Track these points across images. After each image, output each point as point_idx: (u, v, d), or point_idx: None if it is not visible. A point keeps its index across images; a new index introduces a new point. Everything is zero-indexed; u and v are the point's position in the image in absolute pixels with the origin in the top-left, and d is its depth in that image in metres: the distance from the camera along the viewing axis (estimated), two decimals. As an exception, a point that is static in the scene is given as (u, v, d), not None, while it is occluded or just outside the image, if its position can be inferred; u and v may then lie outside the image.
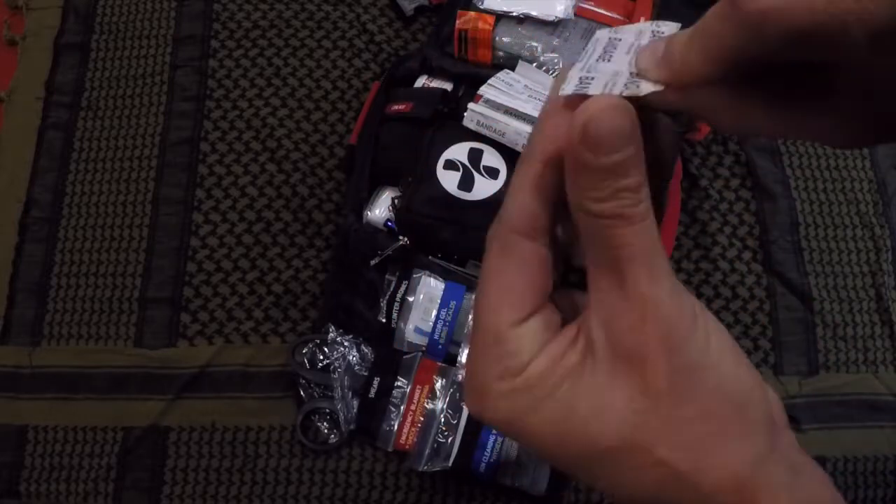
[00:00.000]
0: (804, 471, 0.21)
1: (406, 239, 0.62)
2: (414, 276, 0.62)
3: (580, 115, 0.19)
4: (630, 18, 0.71)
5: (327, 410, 0.64)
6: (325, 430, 0.64)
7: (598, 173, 0.19)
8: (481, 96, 0.63)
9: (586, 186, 0.20)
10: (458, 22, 0.68)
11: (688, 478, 0.19)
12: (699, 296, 0.70)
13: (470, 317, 0.61)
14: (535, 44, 0.67)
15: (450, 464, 0.60)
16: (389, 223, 0.64)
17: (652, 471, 0.20)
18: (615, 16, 0.71)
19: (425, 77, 0.70)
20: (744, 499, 0.19)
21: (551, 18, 0.67)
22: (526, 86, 0.63)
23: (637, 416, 0.19)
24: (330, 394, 0.63)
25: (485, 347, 0.21)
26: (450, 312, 0.61)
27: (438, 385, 0.62)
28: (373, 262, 0.62)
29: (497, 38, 0.68)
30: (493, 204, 0.61)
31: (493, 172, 0.62)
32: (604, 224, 0.20)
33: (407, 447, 0.62)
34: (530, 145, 0.21)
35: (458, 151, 0.63)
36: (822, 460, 0.65)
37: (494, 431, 0.60)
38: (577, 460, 0.21)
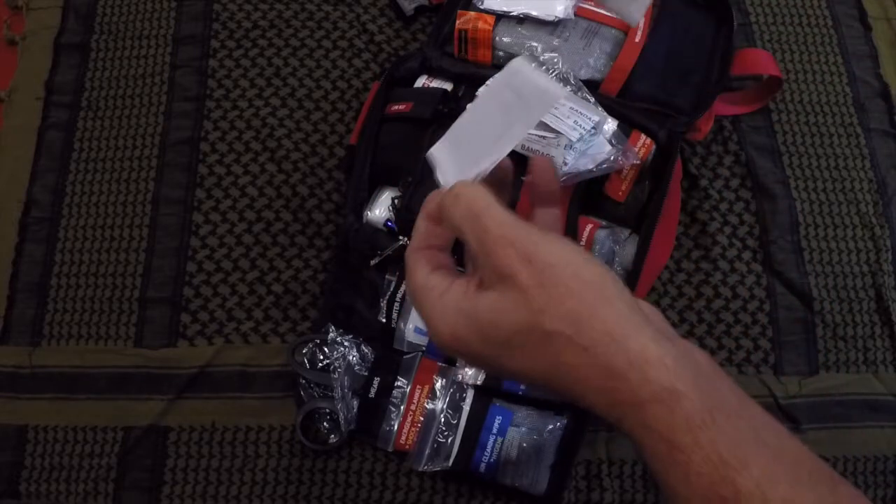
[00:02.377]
0: (677, 342, 0.29)
1: (406, 239, 0.62)
2: (414, 276, 0.62)
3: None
4: (630, 18, 0.71)
5: (327, 410, 0.64)
6: (325, 430, 0.64)
7: (453, 208, 0.32)
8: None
9: (450, 215, 0.32)
10: (458, 22, 0.68)
11: (571, 339, 0.27)
12: (699, 295, 0.70)
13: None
14: (535, 44, 0.67)
15: (450, 464, 0.60)
16: (389, 223, 0.64)
17: (546, 341, 0.27)
18: (615, 15, 0.71)
19: (425, 77, 0.70)
20: (617, 345, 0.26)
21: (551, 18, 0.67)
22: (526, 86, 0.63)
23: (524, 307, 0.28)
24: (330, 394, 0.63)
25: (418, 293, 0.32)
26: (450, 312, 0.61)
27: (438, 385, 0.62)
28: (373, 262, 0.62)
29: (497, 38, 0.68)
30: (492, 204, 0.60)
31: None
32: (468, 222, 0.31)
33: (407, 447, 0.62)
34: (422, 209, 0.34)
35: (458, 151, 0.63)
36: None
37: (494, 432, 0.60)
38: (496, 351, 0.29)
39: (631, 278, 0.62)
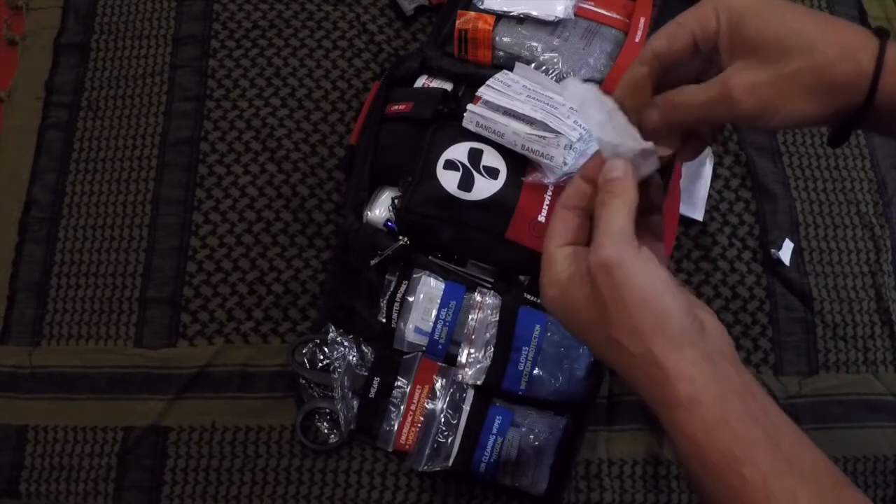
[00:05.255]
0: (720, 363, 0.34)
1: (406, 239, 0.62)
2: (414, 276, 0.62)
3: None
4: (630, 18, 0.71)
5: (327, 410, 0.64)
6: (325, 430, 0.64)
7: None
8: (480, 98, 0.63)
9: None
10: (458, 22, 0.68)
11: (627, 349, 0.34)
12: (699, 295, 0.70)
13: (470, 317, 0.61)
14: (535, 44, 0.67)
15: (450, 464, 0.60)
16: (389, 223, 0.64)
17: (609, 342, 0.35)
18: (615, 15, 0.71)
19: (425, 77, 0.70)
20: (658, 364, 0.33)
21: (551, 18, 0.67)
22: (524, 86, 0.63)
23: (600, 313, 0.35)
24: (330, 394, 0.63)
25: (545, 258, 0.39)
26: (450, 312, 0.61)
27: (438, 385, 0.62)
28: (373, 262, 0.62)
29: (497, 38, 0.68)
30: (492, 204, 0.61)
31: (492, 172, 0.62)
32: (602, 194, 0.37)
33: (407, 447, 0.62)
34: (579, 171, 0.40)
35: (458, 151, 0.63)
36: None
37: (494, 432, 0.60)
38: (575, 327, 0.38)
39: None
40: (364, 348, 0.64)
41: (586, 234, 0.39)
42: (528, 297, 0.62)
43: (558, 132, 0.59)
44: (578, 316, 0.37)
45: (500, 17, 0.68)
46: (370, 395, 0.63)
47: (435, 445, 0.61)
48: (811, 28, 0.35)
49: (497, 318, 0.61)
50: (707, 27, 0.36)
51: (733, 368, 0.35)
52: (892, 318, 0.70)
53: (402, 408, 0.62)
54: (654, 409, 0.35)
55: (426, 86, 0.69)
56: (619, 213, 0.35)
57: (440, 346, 0.61)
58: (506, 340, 0.60)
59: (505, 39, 0.68)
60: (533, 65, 0.66)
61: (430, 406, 0.62)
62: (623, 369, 0.36)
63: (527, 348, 0.60)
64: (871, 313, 0.70)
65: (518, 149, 0.61)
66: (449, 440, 0.61)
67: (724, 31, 0.36)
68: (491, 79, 0.64)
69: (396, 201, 0.64)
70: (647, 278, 0.34)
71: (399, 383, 0.63)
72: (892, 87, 0.33)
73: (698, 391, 0.33)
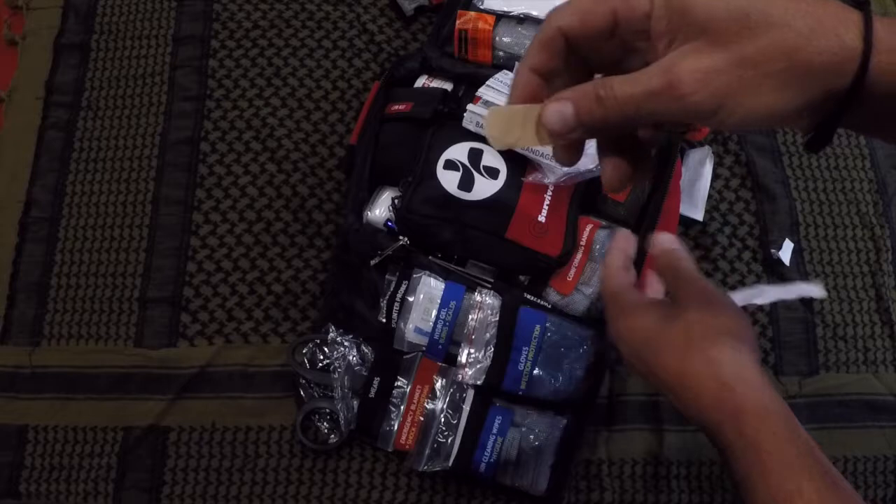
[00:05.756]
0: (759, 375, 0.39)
1: (406, 239, 0.62)
2: (414, 276, 0.62)
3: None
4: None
5: (327, 410, 0.64)
6: (325, 430, 0.64)
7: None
8: (480, 98, 0.63)
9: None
10: (458, 22, 0.68)
11: (706, 377, 0.39)
12: (699, 296, 0.70)
13: (470, 317, 0.61)
14: (535, 44, 0.67)
15: (450, 464, 0.60)
16: (389, 223, 0.64)
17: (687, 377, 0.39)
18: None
19: (425, 77, 0.70)
20: (724, 390, 0.38)
21: (551, 18, 0.67)
22: (526, 86, 0.63)
23: (680, 348, 0.40)
24: (330, 394, 0.63)
25: (611, 302, 0.45)
26: (450, 312, 0.61)
27: (438, 385, 0.62)
28: (373, 262, 0.62)
29: (497, 38, 0.68)
30: (493, 204, 0.61)
31: (493, 172, 0.62)
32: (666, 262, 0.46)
33: (407, 447, 0.62)
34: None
35: (458, 151, 0.63)
36: (822, 460, 0.65)
37: (494, 432, 0.60)
38: (652, 375, 0.42)
39: (631, 278, 0.62)
40: (364, 348, 0.64)
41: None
42: (528, 297, 0.62)
43: (558, 132, 0.59)
44: (652, 364, 0.42)
45: (500, 17, 0.68)
46: (370, 395, 0.63)
47: (435, 445, 0.61)
48: (777, 0, 0.27)
49: (497, 318, 0.61)
50: (636, 4, 0.29)
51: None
52: (892, 318, 0.70)
53: (402, 408, 0.62)
54: (715, 420, 0.38)
55: (426, 86, 0.69)
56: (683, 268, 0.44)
57: (440, 346, 0.61)
58: (506, 340, 0.60)
59: (505, 39, 0.68)
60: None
61: (430, 406, 0.62)
62: (692, 392, 0.40)
63: (527, 348, 0.60)
64: (871, 313, 0.70)
65: (518, 149, 0.61)
66: (449, 440, 0.61)
67: (659, 11, 0.29)
68: (491, 79, 0.64)
69: (396, 201, 0.64)
70: (723, 311, 0.42)
71: (399, 383, 0.63)
72: (887, 68, 0.26)
73: (767, 400, 0.39)
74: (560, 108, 0.30)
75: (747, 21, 0.27)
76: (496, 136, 0.32)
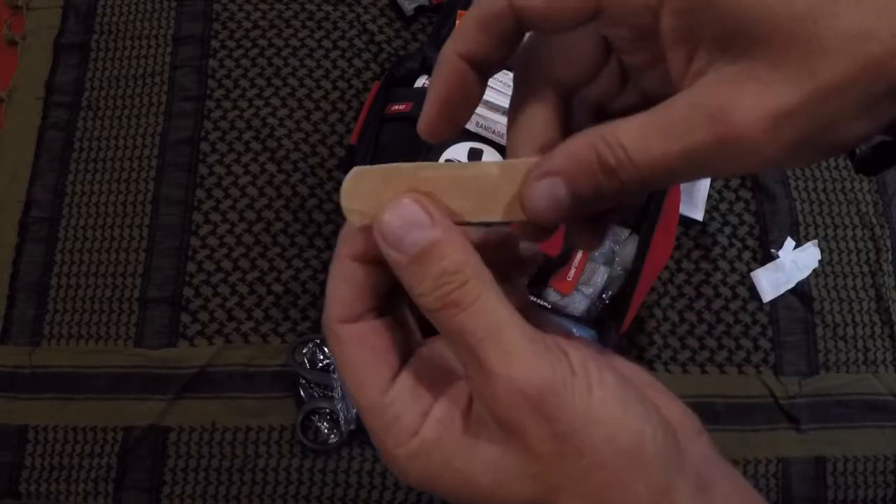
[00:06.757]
0: (714, 482, 0.21)
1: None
2: (414, 276, 0.62)
3: (379, 222, 0.20)
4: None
5: (327, 410, 0.64)
6: (325, 430, 0.64)
7: (411, 268, 0.20)
8: (481, 96, 0.63)
9: (409, 284, 0.20)
10: (458, 22, 0.68)
11: None
12: (699, 295, 0.70)
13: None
14: (535, 44, 0.67)
15: (450, 464, 0.60)
16: (389, 223, 0.64)
17: None
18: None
19: (425, 77, 0.70)
20: None
21: (551, 18, 0.67)
22: (526, 86, 0.63)
23: (534, 480, 0.20)
24: (330, 394, 0.63)
25: (372, 421, 0.21)
26: (450, 312, 0.61)
27: (438, 385, 0.62)
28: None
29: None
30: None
31: (493, 172, 0.62)
32: (439, 316, 0.20)
33: (407, 447, 0.62)
34: (338, 246, 0.22)
35: (458, 151, 0.63)
36: (822, 460, 0.65)
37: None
38: None
39: (631, 278, 0.62)
40: (364, 348, 0.64)
41: (399, 339, 0.22)
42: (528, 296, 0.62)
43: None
44: (484, 499, 0.21)
45: (500, 17, 0.68)
46: (370, 395, 0.63)
47: (435, 445, 0.61)
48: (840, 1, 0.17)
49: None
50: None
51: (736, 488, 0.22)
52: (892, 318, 0.70)
53: (402, 408, 0.62)
54: None
55: (426, 86, 0.69)
56: (478, 306, 0.20)
57: (440, 346, 0.61)
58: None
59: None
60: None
61: (430, 406, 0.62)
62: None
63: (527, 348, 0.60)
64: (871, 313, 0.70)
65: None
66: (449, 440, 0.61)
67: (675, 2, 0.19)
68: (491, 78, 0.64)
69: (396, 201, 0.64)
70: (599, 393, 0.20)
71: (399, 383, 0.63)
72: None
73: None
74: (549, 189, 0.20)
75: (816, 29, 0.17)
76: (358, 208, 0.21)
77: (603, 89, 0.23)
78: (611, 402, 0.20)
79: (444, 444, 0.21)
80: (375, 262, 0.21)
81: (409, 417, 0.21)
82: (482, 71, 0.22)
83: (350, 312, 0.22)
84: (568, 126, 0.23)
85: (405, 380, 0.21)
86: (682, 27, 0.19)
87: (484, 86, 0.23)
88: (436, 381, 0.22)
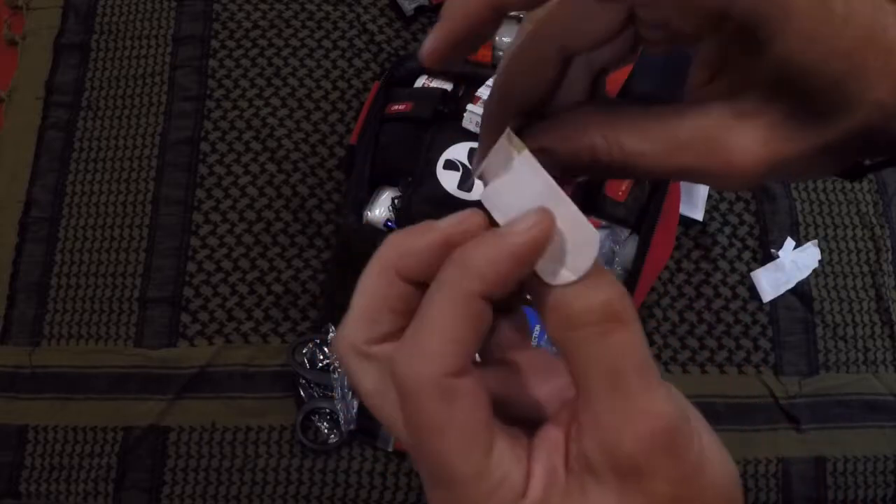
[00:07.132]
0: None
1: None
2: (414, 276, 0.62)
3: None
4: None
5: (327, 410, 0.64)
6: (325, 430, 0.64)
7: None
8: (480, 98, 0.63)
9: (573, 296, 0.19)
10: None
11: None
12: (699, 295, 0.70)
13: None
14: (535, 44, 0.67)
15: (450, 464, 0.60)
16: (389, 223, 0.64)
17: None
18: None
19: (425, 77, 0.70)
20: None
21: (551, 18, 0.67)
22: (526, 86, 0.63)
23: None
24: (330, 394, 0.63)
25: (472, 488, 0.19)
26: (450, 312, 0.61)
27: (438, 385, 0.62)
28: (373, 262, 0.62)
29: (497, 38, 0.68)
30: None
31: (492, 172, 0.62)
32: (591, 332, 0.19)
33: (407, 447, 0.62)
34: (452, 278, 0.19)
35: (458, 151, 0.63)
36: (822, 460, 0.65)
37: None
38: None
39: (631, 278, 0.62)
40: (364, 348, 0.64)
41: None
42: (528, 296, 0.61)
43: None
44: None
45: (500, 17, 0.68)
46: (370, 395, 0.63)
47: (435, 445, 0.61)
48: (868, 58, 0.17)
49: (497, 318, 0.61)
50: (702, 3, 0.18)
51: None
52: (892, 318, 0.70)
53: (402, 408, 0.62)
54: None
55: (426, 86, 0.69)
56: (637, 328, 0.19)
57: (440, 346, 0.61)
58: (506, 340, 0.60)
59: (505, 40, 0.68)
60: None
61: (430, 406, 0.62)
62: None
63: (527, 348, 0.60)
64: (871, 313, 0.70)
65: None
66: (449, 440, 0.61)
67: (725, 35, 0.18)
68: (491, 79, 0.64)
69: (396, 201, 0.64)
70: (709, 440, 0.20)
71: (399, 383, 0.63)
72: None
73: None
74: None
75: (846, 89, 0.17)
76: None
77: (611, 55, 0.22)
78: (715, 447, 0.19)
79: (552, 501, 0.19)
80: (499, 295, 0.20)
81: (515, 478, 0.19)
82: (503, 10, 0.20)
83: (464, 363, 0.19)
84: (559, 80, 0.22)
85: (503, 436, 0.19)
86: (714, 55, 0.19)
87: (500, 23, 0.21)
88: (520, 429, 0.20)
